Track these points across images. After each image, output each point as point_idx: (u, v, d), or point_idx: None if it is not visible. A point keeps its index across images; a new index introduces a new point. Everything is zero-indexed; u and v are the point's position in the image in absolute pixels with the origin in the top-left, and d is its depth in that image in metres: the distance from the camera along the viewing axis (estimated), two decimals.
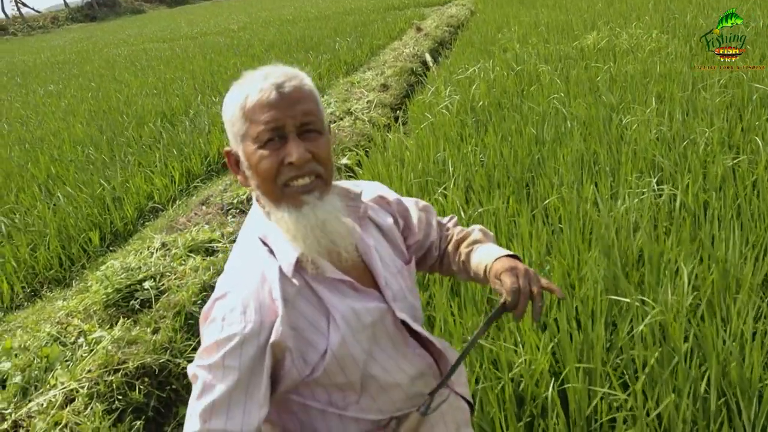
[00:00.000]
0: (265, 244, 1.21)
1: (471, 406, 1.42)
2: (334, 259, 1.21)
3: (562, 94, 5.94)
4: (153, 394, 3.00)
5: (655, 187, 3.73)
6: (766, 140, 4.12)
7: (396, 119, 7.18)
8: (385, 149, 5.61)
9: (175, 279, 3.78)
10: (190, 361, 3.19)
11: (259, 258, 1.20)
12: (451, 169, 4.48)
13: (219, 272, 3.84)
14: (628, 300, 2.54)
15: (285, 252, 1.18)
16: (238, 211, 4.90)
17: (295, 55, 11.87)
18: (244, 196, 5.04)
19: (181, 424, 2.97)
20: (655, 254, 2.87)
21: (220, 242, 4.26)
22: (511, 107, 5.96)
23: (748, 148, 4.12)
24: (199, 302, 3.55)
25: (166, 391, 3.07)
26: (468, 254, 1.45)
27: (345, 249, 1.20)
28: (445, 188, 4.19)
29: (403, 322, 1.27)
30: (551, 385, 2.20)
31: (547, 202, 3.78)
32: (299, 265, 1.17)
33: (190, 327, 3.42)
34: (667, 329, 2.36)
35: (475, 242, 1.47)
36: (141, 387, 2.98)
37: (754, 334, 2.40)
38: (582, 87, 6.18)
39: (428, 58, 10.89)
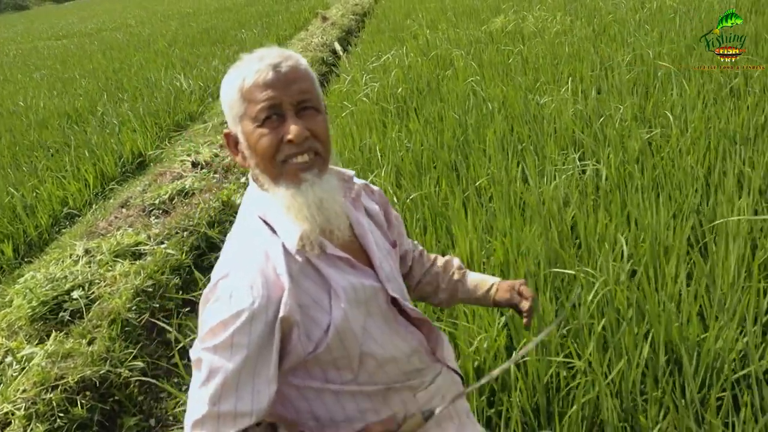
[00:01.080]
0: (265, 222, 1.21)
1: (462, 378, 1.46)
2: (327, 236, 1.21)
3: (478, 78, 6.07)
4: (96, 407, 2.89)
5: (579, 164, 3.89)
6: (675, 114, 4.36)
7: None
8: None
9: (105, 286, 3.64)
10: (131, 370, 3.11)
11: (261, 236, 1.19)
12: (379, 156, 4.51)
13: (150, 276, 3.73)
14: (572, 272, 2.64)
15: (288, 230, 1.18)
16: (161, 211, 4.75)
17: (201, 48, 11.58)
18: (166, 196, 4.90)
19: None
20: (589, 227, 2.99)
21: (147, 245, 4.13)
22: (429, 92, 6.04)
23: (660, 122, 4.34)
24: (134, 308, 3.44)
25: (109, 403, 2.96)
26: (463, 275, 1.61)
27: (338, 228, 1.21)
28: (375, 176, 4.21)
29: (394, 302, 1.29)
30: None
31: (477, 183, 3.87)
32: (305, 241, 1.17)
33: (128, 334, 3.31)
34: (611, 297, 2.48)
35: (462, 268, 1.64)
36: (82, 402, 2.85)
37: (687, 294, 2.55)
38: (496, 70, 6.33)
39: (338, 47, 10.85)
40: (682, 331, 2.34)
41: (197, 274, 3.66)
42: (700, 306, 2.54)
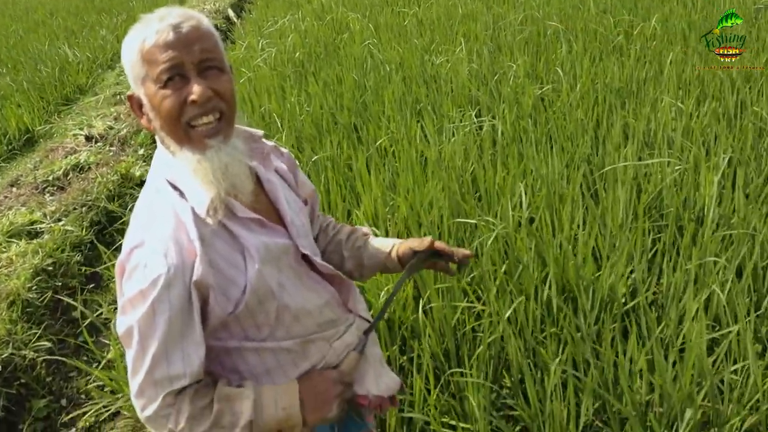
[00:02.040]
0: (174, 187, 1.19)
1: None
2: (235, 199, 1.22)
3: (375, 40, 6.08)
4: (0, 392, 2.76)
5: (476, 120, 3.99)
6: (565, 70, 4.54)
7: None
8: None
9: (1, 268, 3.45)
10: (36, 351, 2.99)
11: (170, 201, 1.18)
12: (279, 121, 4.47)
13: (50, 254, 3.59)
14: (474, 221, 2.73)
15: (197, 194, 1.17)
16: (56, 188, 4.53)
17: (86, 18, 10.96)
18: (60, 172, 4.68)
19: (37, 419, 2.78)
20: (489, 179, 3.10)
21: (44, 223, 3.94)
22: (327, 56, 6.00)
23: (551, 78, 4.52)
24: (35, 288, 3.29)
25: (15, 387, 2.83)
26: (365, 241, 1.57)
27: (242, 192, 1.22)
28: (276, 141, 4.17)
29: (305, 258, 1.31)
30: (419, 308, 2.35)
31: (378, 143, 3.91)
32: (211, 206, 1.17)
33: (30, 315, 3.17)
34: (512, 243, 2.59)
35: (367, 235, 1.60)
36: None
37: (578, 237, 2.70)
38: (392, 32, 6.36)
39: (231, 13, 10.56)
40: (578, 270, 2.48)
41: (101, 248, 3.53)
42: (594, 247, 2.69)
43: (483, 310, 2.39)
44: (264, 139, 1.39)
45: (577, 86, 4.25)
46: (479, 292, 2.56)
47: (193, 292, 1.13)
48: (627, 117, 3.78)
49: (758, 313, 2.34)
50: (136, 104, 1.22)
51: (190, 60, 1.14)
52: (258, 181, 1.32)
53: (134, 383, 1.15)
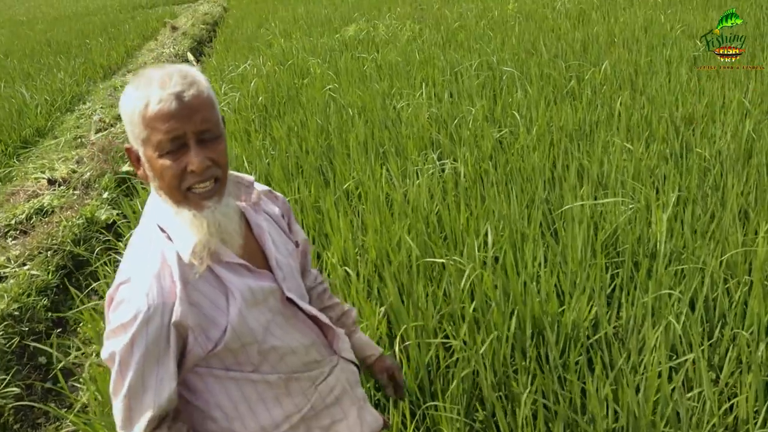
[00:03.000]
0: (163, 230, 1.28)
1: (357, 367, 1.60)
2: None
3: (336, 85, 6.24)
4: None
5: (438, 163, 4.15)
6: (521, 114, 4.75)
7: None
8: None
9: None
10: (3, 398, 2.98)
11: (159, 243, 1.27)
12: (247, 165, 4.56)
13: (16, 299, 3.58)
14: (442, 261, 2.85)
15: (183, 238, 1.26)
16: (19, 232, 4.51)
17: (43, 60, 10.90)
18: (23, 216, 4.65)
19: None
20: (453, 220, 3.23)
21: (8, 267, 3.92)
22: (289, 100, 6.13)
23: (508, 122, 4.72)
24: (1, 333, 3.27)
25: None
26: (350, 333, 1.72)
27: (231, 246, 1.31)
28: None
29: (291, 300, 1.40)
30: (394, 344, 2.43)
31: (346, 186, 4.02)
32: (195, 254, 1.25)
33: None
34: (479, 281, 2.71)
35: (355, 325, 1.76)
36: None
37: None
38: (352, 76, 6.54)
39: (191, 57, 10.66)
40: (542, 306, 2.61)
41: (73, 291, 3.53)
42: (556, 284, 2.83)
43: (455, 346, 2.48)
44: (256, 184, 1.47)
45: (533, 129, 4.45)
46: (451, 328, 2.66)
47: (172, 332, 1.22)
48: (581, 159, 3.98)
49: (710, 341, 2.49)
50: (134, 157, 1.29)
51: (192, 129, 1.21)
52: (247, 224, 1.40)
53: (115, 402, 1.26)
